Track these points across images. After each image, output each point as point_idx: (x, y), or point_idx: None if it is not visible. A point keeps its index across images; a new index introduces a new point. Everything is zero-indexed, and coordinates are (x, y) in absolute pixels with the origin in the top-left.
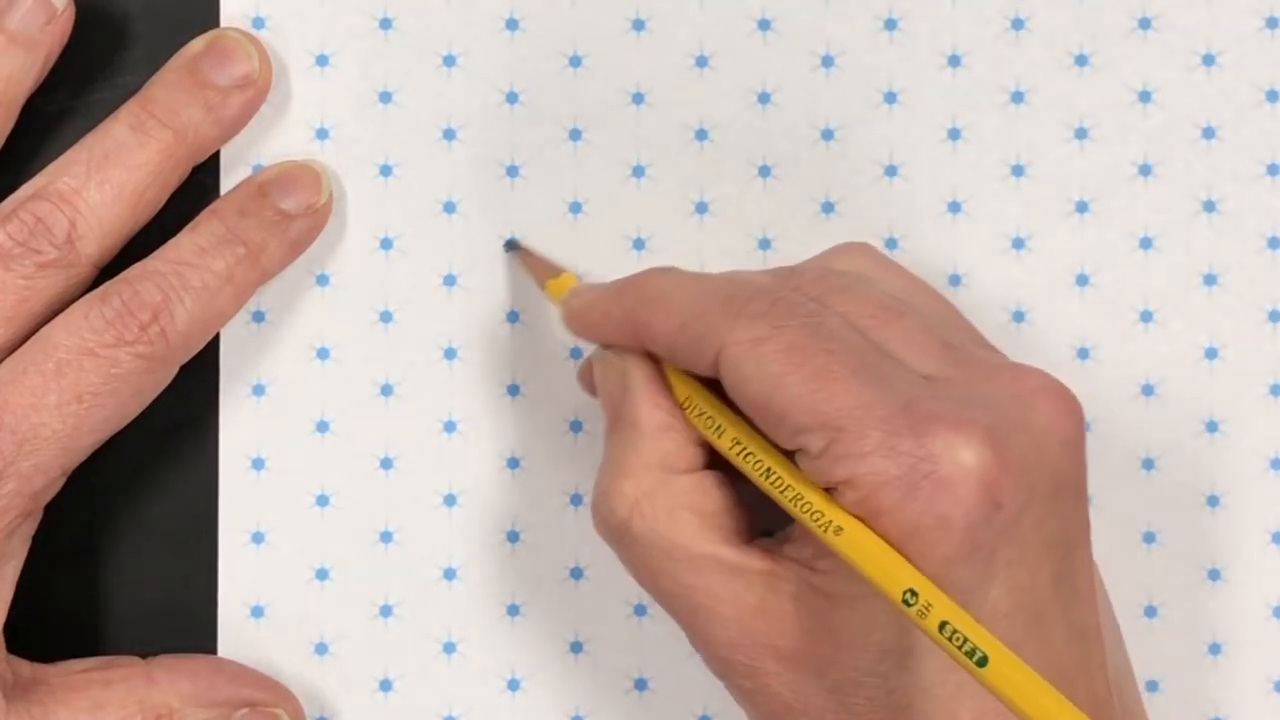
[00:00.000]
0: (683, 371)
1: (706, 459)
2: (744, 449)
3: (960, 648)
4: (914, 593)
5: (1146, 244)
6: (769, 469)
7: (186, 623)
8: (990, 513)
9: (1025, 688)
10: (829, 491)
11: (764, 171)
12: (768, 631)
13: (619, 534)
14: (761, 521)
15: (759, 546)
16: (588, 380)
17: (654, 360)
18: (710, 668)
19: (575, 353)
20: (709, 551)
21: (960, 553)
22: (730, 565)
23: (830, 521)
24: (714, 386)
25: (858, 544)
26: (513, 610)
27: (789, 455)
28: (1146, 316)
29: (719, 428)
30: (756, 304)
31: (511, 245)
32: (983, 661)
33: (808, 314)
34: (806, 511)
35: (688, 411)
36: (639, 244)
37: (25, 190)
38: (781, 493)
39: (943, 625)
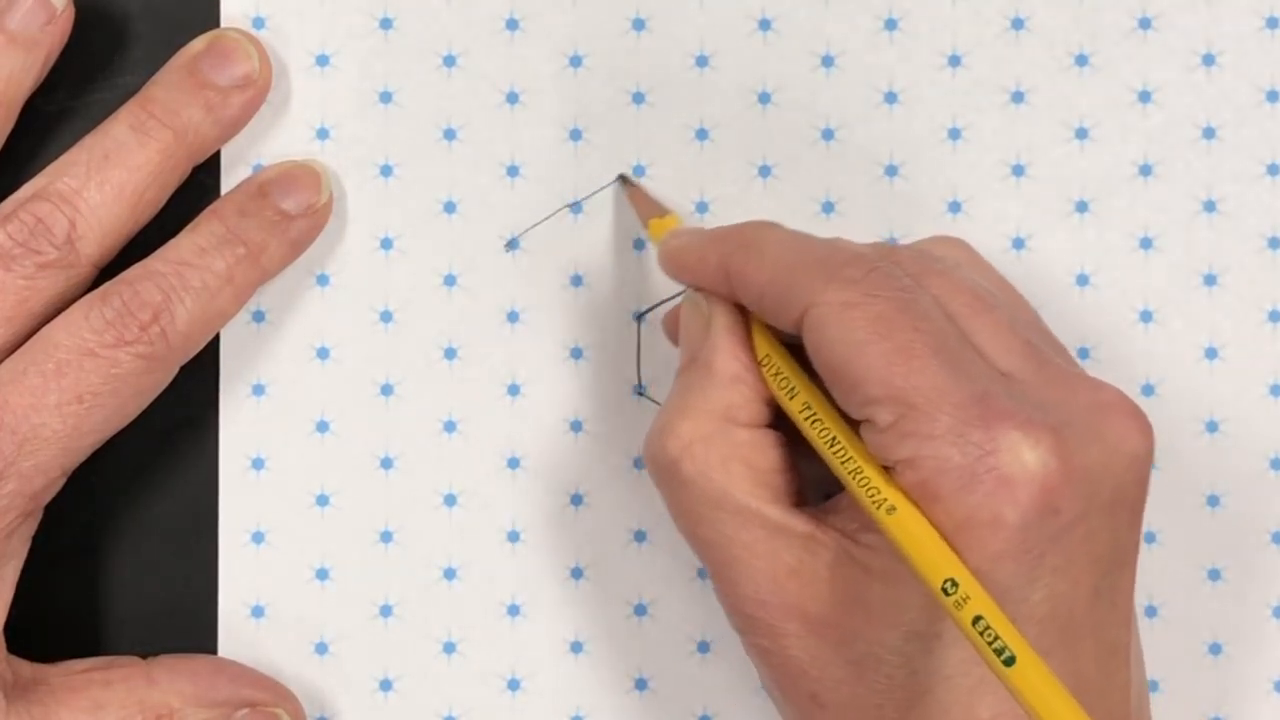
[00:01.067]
0: (767, 331)
1: (769, 419)
2: (812, 414)
3: (990, 644)
4: (954, 583)
5: (1146, 244)
6: (834, 438)
7: (186, 623)
8: (1045, 517)
9: (1046, 694)
10: (888, 470)
11: (764, 171)
12: (799, 594)
13: (667, 472)
14: (809, 492)
15: (804, 511)
16: (673, 327)
17: (741, 314)
18: (732, 621)
19: (575, 353)
20: (754, 506)
21: (1008, 551)
22: (773, 523)
23: (885, 500)
24: (793, 352)
25: (907, 526)
26: (513, 610)
27: (854, 427)
28: (1146, 316)
29: (792, 389)
30: (852, 269)
31: (624, 179)
32: (1010, 661)
33: (901, 288)
34: (863, 486)
35: (764, 369)
36: (639, 244)
37: (25, 190)
38: (842, 463)
39: (976, 619)
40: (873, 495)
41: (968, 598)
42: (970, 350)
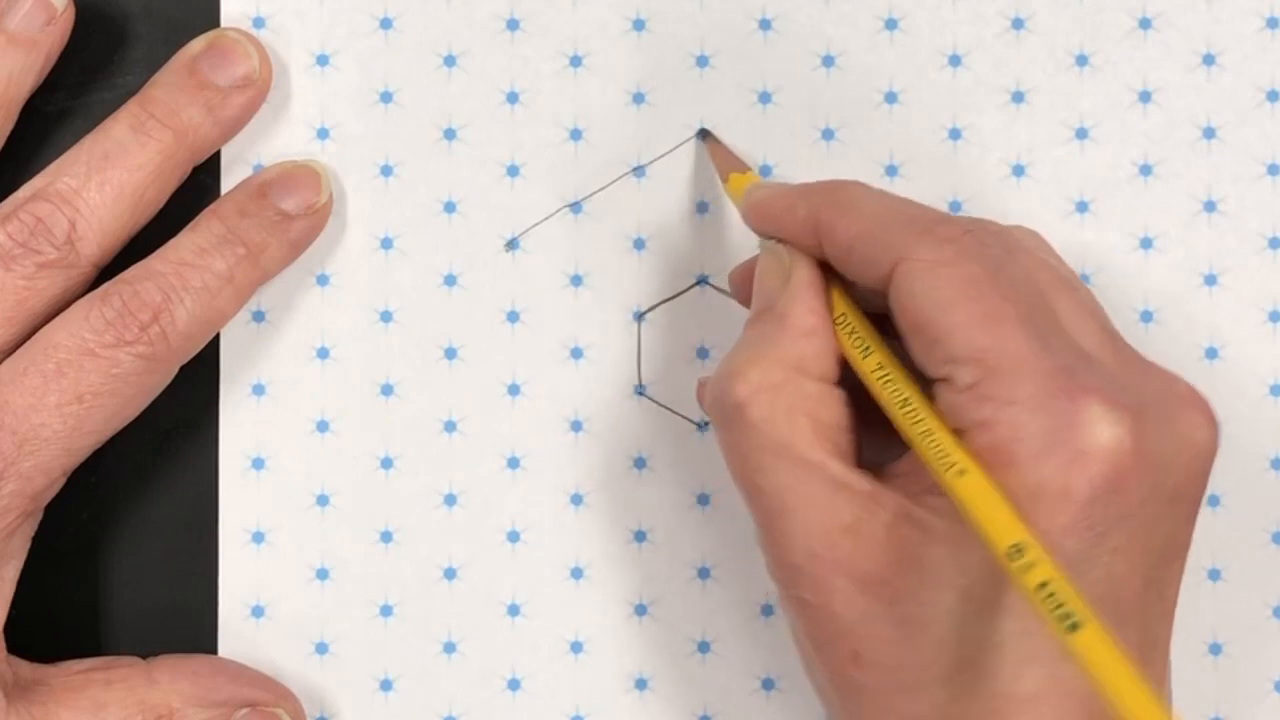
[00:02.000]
0: (844, 290)
1: (839, 376)
2: (885, 374)
3: (1055, 610)
4: (1020, 549)
5: (1147, 244)
6: (906, 398)
7: (186, 623)
8: (1114, 496)
9: (1110, 662)
10: (959, 434)
11: (764, 171)
12: (853, 551)
13: (730, 415)
14: (870, 456)
15: (865, 471)
16: (742, 282)
17: (821, 270)
18: (774, 571)
19: (576, 353)
20: (816, 459)
21: (1074, 525)
22: (834, 478)
23: (955, 463)
24: (870, 318)
25: (977, 490)
26: (513, 610)
27: (927, 391)
28: (1146, 316)
29: (866, 348)
30: (947, 228)
31: (704, 134)
32: (1074, 627)
33: (994, 254)
34: (933, 447)
35: (839, 326)
36: (639, 244)
37: (25, 191)
38: (914, 424)
39: (1042, 585)
40: (942, 457)
41: (1034, 563)
42: (1056, 324)
